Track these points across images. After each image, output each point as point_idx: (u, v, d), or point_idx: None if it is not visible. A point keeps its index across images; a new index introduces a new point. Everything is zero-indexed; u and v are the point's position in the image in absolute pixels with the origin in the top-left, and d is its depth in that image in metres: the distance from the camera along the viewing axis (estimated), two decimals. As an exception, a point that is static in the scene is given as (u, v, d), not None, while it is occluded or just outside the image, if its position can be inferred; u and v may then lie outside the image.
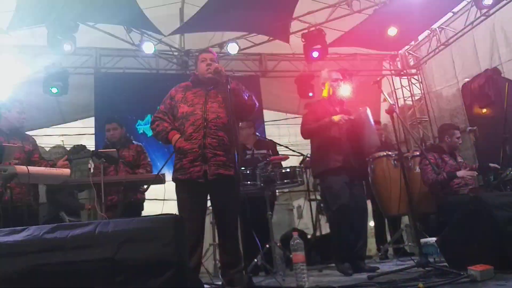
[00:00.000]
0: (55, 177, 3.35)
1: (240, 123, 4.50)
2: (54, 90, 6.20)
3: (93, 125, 6.61)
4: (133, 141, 4.37)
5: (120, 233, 1.68)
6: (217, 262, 4.18)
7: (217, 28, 6.57)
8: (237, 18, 6.25)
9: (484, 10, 6.21)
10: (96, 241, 1.66)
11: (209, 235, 4.27)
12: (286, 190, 7.36)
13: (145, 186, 3.87)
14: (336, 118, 3.41)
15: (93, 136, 6.54)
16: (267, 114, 7.58)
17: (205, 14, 6.01)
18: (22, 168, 3.06)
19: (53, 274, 1.60)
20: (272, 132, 7.40)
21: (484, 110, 5.64)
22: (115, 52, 6.90)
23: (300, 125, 3.71)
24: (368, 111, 3.53)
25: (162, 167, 3.46)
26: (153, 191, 4.99)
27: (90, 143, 6.39)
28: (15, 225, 1.93)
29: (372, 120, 3.56)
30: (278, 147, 4.87)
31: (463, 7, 6.72)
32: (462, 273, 2.22)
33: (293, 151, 4.82)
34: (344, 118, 3.40)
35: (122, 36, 6.31)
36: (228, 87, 2.74)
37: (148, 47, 6.45)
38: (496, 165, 4.16)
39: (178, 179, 2.88)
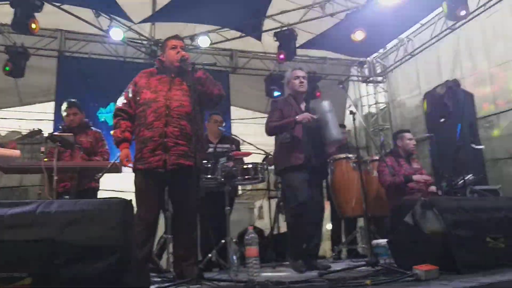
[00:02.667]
0: (4, 159, 3.19)
1: (214, 117, 4.49)
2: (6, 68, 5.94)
3: (53, 111, 6.37)
4: (92, 127, 4.23)
5: (64, 214, 1.61)
6: (169, 255, 4.10)
7: (189, 19, 6.50)
8: (210, 11, 6.20)
9: (450, 24, 6.45)
10: (37, 221, 1.58)
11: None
12: (249, 187, 7.34)
13: (100, 174, 3.74)
14: (300, 117, 3.44)
15: (52, 122, 6.31)
16: (234, 112, 7.55)
17: (178, 4, 5.93)
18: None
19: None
20: (238, 130, 7.37)
21: (442, 120, 5.85)
22: (81, 36, 6.69)
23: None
24: (328, 103, 3.50)
25: (118, 156, 3.34)
26: (110, 182, 4.86)
27: (48, 129, 6.15)
28: None
29: (333, 113, 3.49)
30: (243, 144, 4.85)
31: (430, 20, 6.96)
32: (408, 272, 2.28)
33: (257, 148, 4.80)
34: (308, 117, 3.41)
35: (90, 20, 6.11)
36: (194, 75, 2.71)
37: (117, 34, 6.29)
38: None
39: (138, 169, 2.82)
